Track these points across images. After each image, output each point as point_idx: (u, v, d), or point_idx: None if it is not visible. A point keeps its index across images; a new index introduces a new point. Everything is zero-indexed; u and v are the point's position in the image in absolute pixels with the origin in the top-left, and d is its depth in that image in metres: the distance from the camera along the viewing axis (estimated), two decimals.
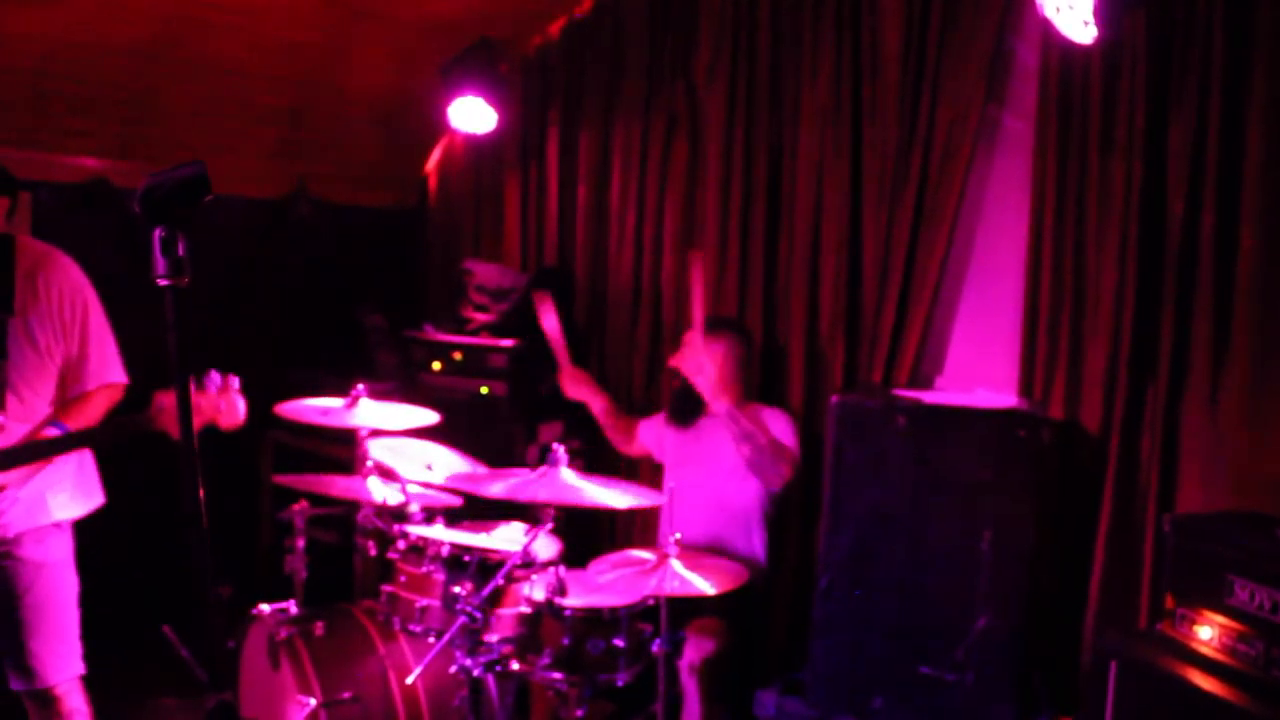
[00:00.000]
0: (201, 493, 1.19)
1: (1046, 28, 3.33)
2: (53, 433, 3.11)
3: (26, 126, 4.78)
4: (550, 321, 4.25)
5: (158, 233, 1.16)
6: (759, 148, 4.42)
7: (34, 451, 3.06)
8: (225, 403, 2.95)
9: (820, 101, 4.19)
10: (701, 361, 3.96)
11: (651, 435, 4.33)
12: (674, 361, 4.15)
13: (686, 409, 4.10)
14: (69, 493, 3.31)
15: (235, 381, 2.94)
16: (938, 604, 3.17)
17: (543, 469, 3.22)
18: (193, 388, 2.60)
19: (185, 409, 1.16)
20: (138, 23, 4.61)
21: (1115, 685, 2.66)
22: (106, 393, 3.29)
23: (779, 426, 3.97)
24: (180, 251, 1.18)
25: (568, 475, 3.16)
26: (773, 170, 4.39)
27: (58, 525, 3.28)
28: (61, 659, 3.28)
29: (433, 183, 6.28)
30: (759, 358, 4.38)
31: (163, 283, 1.17)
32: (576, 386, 4.37)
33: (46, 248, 3.29)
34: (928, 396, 3.46)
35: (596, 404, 4.38)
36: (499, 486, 3.15)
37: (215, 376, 2.94)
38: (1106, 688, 2.67)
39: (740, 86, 4.48)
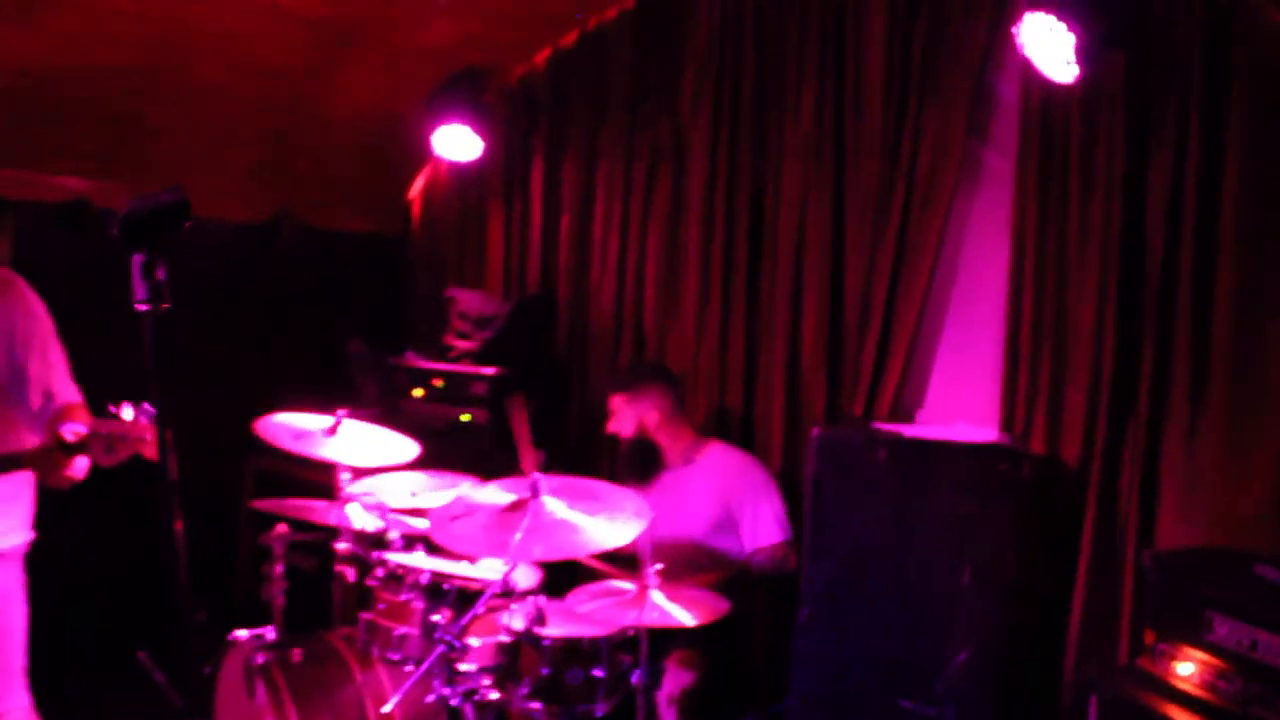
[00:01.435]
0: (178, 518, 1.18)
1: (1028, 66, 3.36)
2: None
3: (8, 145, 4.77)
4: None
5: (137, 258, 1.16)
6: (742, 181, 4.44)
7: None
8: (151, 432, 2.75)
9: (803, 136, 4.21)
10: (639, 417, 3.98)
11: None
12: (611, 428, 4.13)
13: (642, 467, 4.09)
14: (14, 521, 3.23)
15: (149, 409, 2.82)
16: (918, 637, 3.17)
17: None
18: (122, 418, 2.58)
19: (163, 436, 1.15)
20: (124, 45, 4.60)
21: None
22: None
23: (762, 506, 3.94)
24: (160, 277, 1.17)
25: (551, 503, 3.15)
26: (755, 204, 4.41)
27: (2, 555, 3.21)
28: (7, 688, 3.21)
29: (416, 210, 6.28)
30: (740, 389, 4.38)
31: (142, 308, 1.17)
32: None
33: (6, 272, 3.20)
34: (909, 430, 3.47)
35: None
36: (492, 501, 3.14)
37: (148, 408, 2.77)
38: None
39: (724, 120, 4.50)
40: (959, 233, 3.90)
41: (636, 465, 4.10)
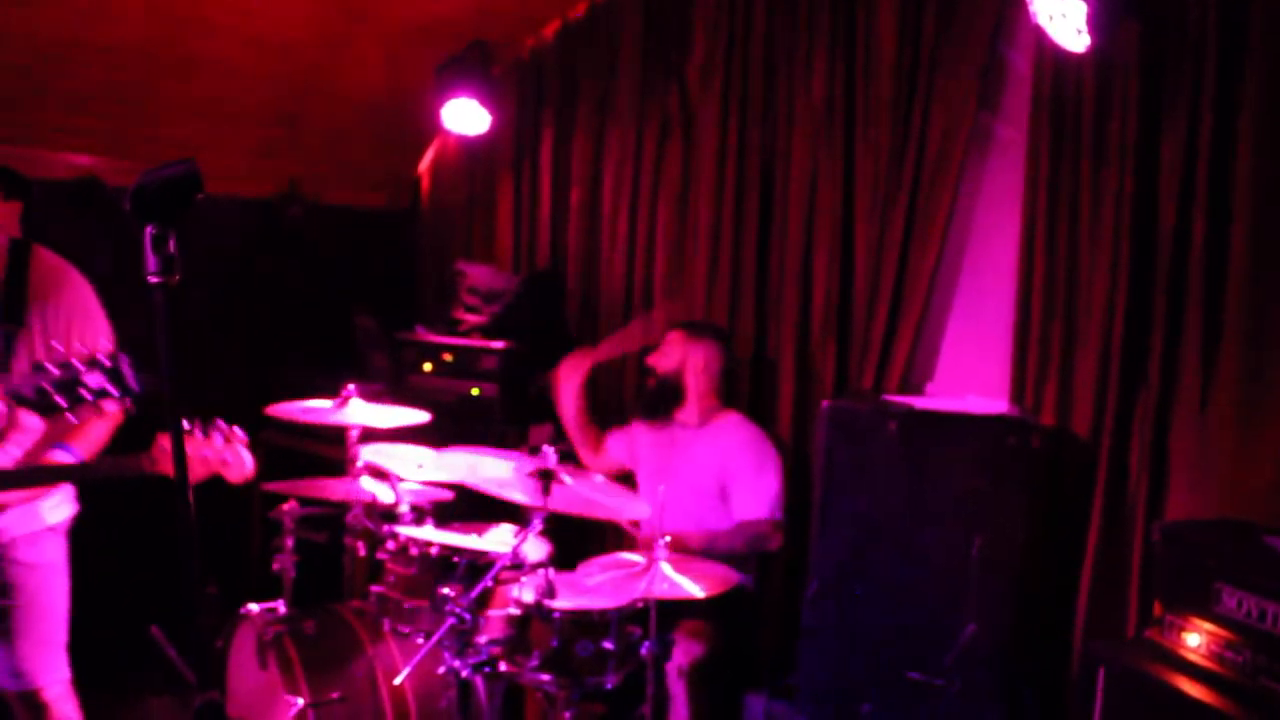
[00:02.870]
0: (191, 496, 1.19)
1: (1040, 36, 3.34)
2: (59, 456, 3.04)
3: (20, 123, 4.77)
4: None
5: (149, 230, 1.16)
6: (752, 152, 4.43)
7: (36, 477, 3.02)
8: (231, 455, 2.79)
9: (813, 107, 4.19)
10: (684, 358, 3.98)
11: (622, 445, 4.31)
12: (652, 359, 4.13)
13: (659, 405, 4.09)
14: (60, 495, 3.28)
15: (240, 434, 2.79)
16: (927, 610, 3.17)
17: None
18: (198, 436, 2.56)
19: (174, 410, 1.15)
20: (133, 22, 4.59)
21: (1103, 692, 2.66)
22: (111, 418, 3.20)
23: (757, 481, 3.93)
24: (171, 249, 1.18)
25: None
26: (765, 175, 4.39)
27: (51, 529, 3.26)
28: (50, 661, 3.25)
29: (425, 184, 6.28)
30: (750, 362, 4.38)
31: (154, 280, 1.17)
32: (571, 373, 4.29)
33: (62, 263, 3.20)
34: (919, 402, 3.47)
35: (571, 406, 4.31)
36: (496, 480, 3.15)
37: (221, 425, 2.79)
38: (1095, 695, 2.67)
39: (734, 91, 4.48)
40: (969, 204, 3.89)
41: (654, 403, 4.10)
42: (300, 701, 3.36)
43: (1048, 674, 3.43)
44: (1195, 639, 2.58)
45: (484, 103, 5.01)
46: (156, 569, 4.51)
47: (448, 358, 4.97)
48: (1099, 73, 3.36)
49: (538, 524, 3.23)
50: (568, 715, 3.20)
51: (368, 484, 3.78)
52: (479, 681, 3.31)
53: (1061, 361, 3.49)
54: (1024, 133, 3.62)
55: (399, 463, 3.75)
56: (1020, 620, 3.17)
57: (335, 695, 3.42)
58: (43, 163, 4.95)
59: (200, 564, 1.23)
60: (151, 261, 1.18)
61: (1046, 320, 3.52)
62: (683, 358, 4.05)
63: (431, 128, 5.70)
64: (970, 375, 3.88)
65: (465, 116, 5.07)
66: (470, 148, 5.75)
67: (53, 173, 4.95)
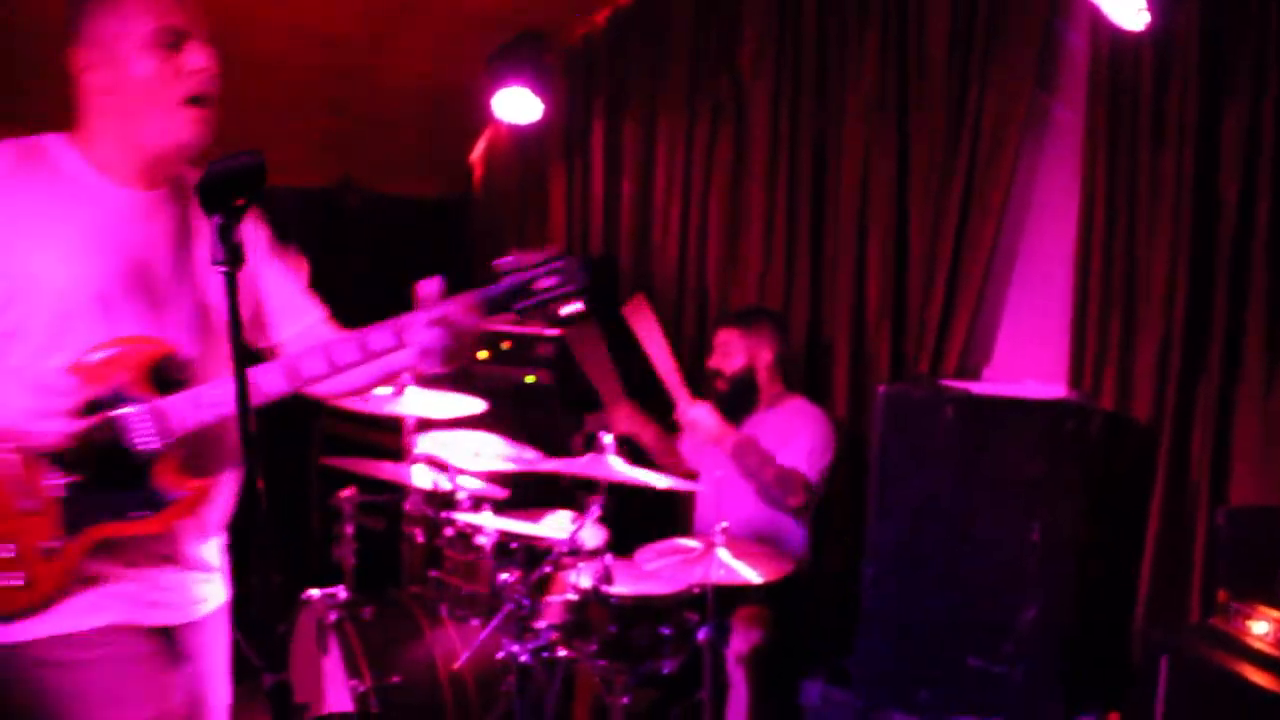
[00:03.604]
0: (260, 478, 1.22)
1: (1096, 15, 3.29)
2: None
3: (70, 121, 4.85)
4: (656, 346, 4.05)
5: (216, 220, 1.19)
6: (804, 138, 4.41)
7: None
8: None
9: (866, 91, 4.17)
10: (751, 352, 3.95)
11: (692, 447, 4.29)
12: (715, 363, 4.07)
13: (739, 406, 4.03)
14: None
15: None
16: (986, 596, 3.15)
17: (590, 455, 3.23)
18: None
19: (243, 399, 1.17)
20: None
21: (1166, 680, 2.63)
22: None
23: (805, 442, 3.86)
24: (237, 239, 1.20)
25: (615, 462, 3.17)
26: (818, 160, 4.37)
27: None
28: None
29: (478, 173, 6.30)
30: (805, 349, 4.37)
31: (220, 269, 1.20)
32: (628, 421, 4.18)
33: None
34: (975, 387, 3.44)
35: (647, 434, 4.20)
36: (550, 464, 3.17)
37: None
38: (1157, 683, 2.65)
39: (786, 76, 4.46)
40: (1026, 186, 3.85)
41: (732, 404, 4.02)
42: (361, 685, 3.41)
43: (1109, 662, 3.40)
44: (1262, 626, 2.54)
45: (535, 91, 5.02)
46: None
47: (505, 345, 4.99)
48: (1158, 51, 3.31)
49: (595, 510, 3.25)
50: (624, 700, 3.22)
51: (425, 471, 3.81)
52: (537, 667, 3.34)
53: (1121, 345, 3.45)
54: (1081, 114, 3.58)
55: (457, 450, 3.79)
56: (1080, 606, 3.14)
57: (396, 679, 3.46)
58: None
59: (271, 548, 1.25)
60: (218, 250, 1.21)
61: (1105, 304, 3.49)
62: (750, 353, 4.00)
63: (483, 116, 5.72)
64: (1028, 360, 3.85)
65: (517, 105, 5.08)
66: (522, 136, 5.76)
67: None
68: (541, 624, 3.27)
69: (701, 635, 3.18)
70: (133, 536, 1.90)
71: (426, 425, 3.91)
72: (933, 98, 3.95)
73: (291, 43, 5.01)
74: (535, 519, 3.66)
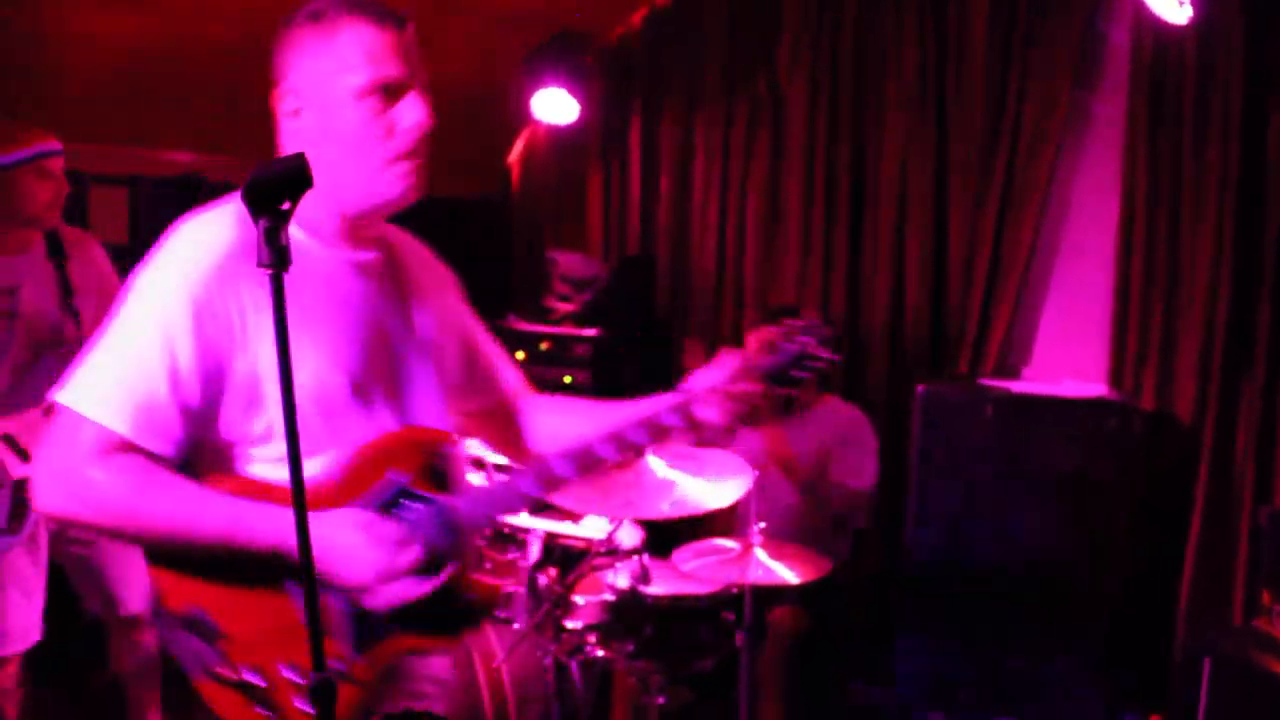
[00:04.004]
0: (303, 481, 1.23)
1: (1139, 8, 3.27)
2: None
3: (125, 122, 4.91)
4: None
5: (262, 223, 1.20)
6: (842, 136, 4.40)
7: None
8: None
9: (905, 89, 4.15)
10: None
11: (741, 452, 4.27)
12: None
13: (782, 407, 4.01)
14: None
15: None
16: (1026, 593, 3.14)
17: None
18: None
19: (289, 403, 1.19)
20: (230, 21, 4.70)
21: (1209, 682, 2.61)
22: None
23: (865, 461, 3.78)
24: (283, 241, 1.21)
25: (654, 463, 3.17)
26: (856, 158, 4.36)
27: None
28: (143, 589, 3.37)
29: (515, 173, 6.33)
30: (844, 347, 4.35)
31: (267, 271, 1.21)
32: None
33: (79, 234, 3.41)
34: (1015, 386, 3.42)
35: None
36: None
37: None
38: (1200, 684, 2.62)
39: (823, 74, 4.45)
40: (1066, 183, 3.82)
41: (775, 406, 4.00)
42: None
43: (1152, 663, 3.37)
44: None
45: (572, 91, 5.03)
46: None
47: (541, 346, 5.01)
48: (1201, 45, 3.28)
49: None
50: (660, 700, 3.22)
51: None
52: (574, 667, 3.34)
53: (1162, 344, 3.42)
54: (1122, 110, 3.56)
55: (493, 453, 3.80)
56: (1121, 607, 3.12)
57: None
58: (147, 160, 5.10)
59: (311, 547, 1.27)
60: (264, 253, 1.22)
61: (1146, 302, 3.46)
62: None
63: (521, 117, 5.74)
64: (1067, 358, 3.82)
65: (554, 105, 5.09)
66: (559, 136, 5.78)
67: (157, 170, 5.09)
68: (578, 624, 3.27)
69: (739, 636, 3.17)
70: (427, 651, 1.74)
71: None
72: (972, 94, 3.93)
73: None
74: (573, 519, 3.66)
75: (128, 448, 1.57)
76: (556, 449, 1.77)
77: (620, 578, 3.27)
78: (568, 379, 4.86)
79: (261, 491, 1.62)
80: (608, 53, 5.51)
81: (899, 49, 4.17)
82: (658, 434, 1.76)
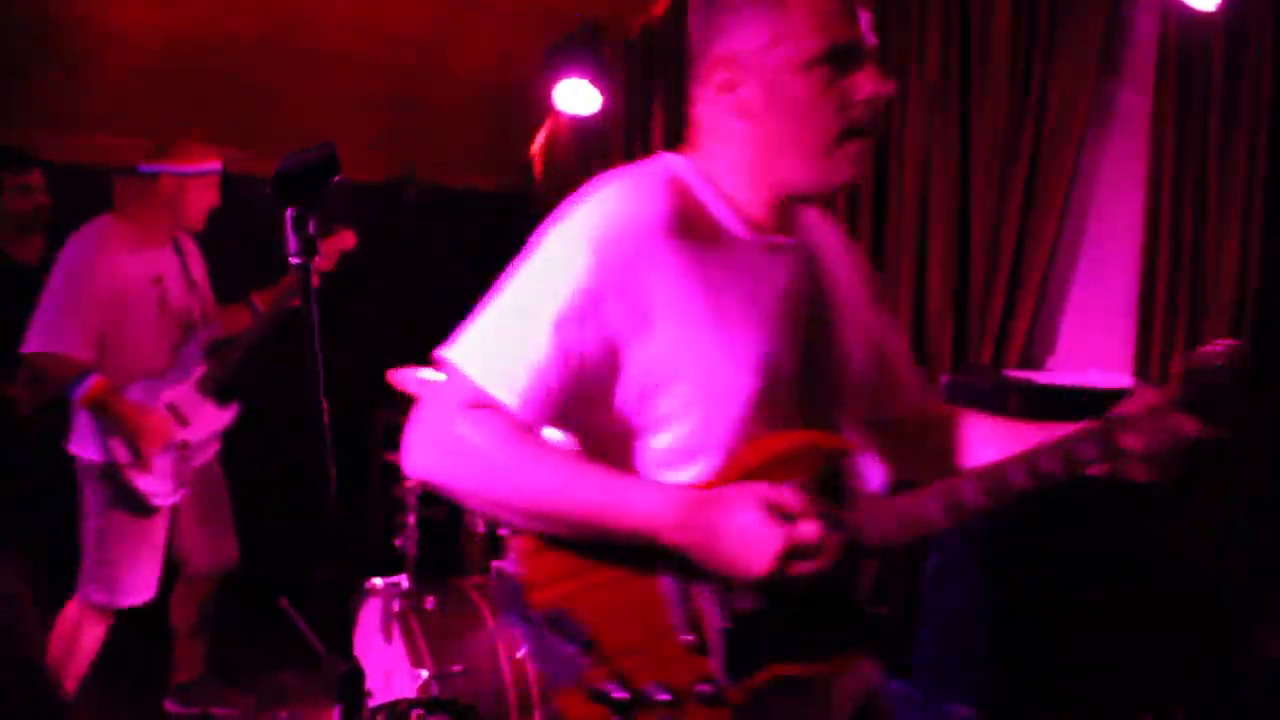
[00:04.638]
0: (333, 469, 1.23)
1: None
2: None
3: (148, 117, 4.94)
4: None
5: (290, 212, 1.20)
6: None
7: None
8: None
9: (928, 79, 4.12)
10: None
11: None
12: None
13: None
14: None
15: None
16: (1048, 589, 3.12)
17: None
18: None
19: (319, 386, 1.19)
20: (250, 16, 4.73)
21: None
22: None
23: None
24: (311, 231, 1.21)
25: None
26: (879, 149, 4.33)
27: None
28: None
29: (538, 165, 6.33)
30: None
31: (294, 260, 1.21)
32: None
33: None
34: (1040, 377, 3.41)
35: None
36: None
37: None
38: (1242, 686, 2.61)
39: None
40: (1091, 173, 3.80)
41: None
42: (424, 673, 3.44)
43: (1178, 656, 3.35)
44: None
45: (595, 83, 5.02)
46: (281, 541, 4.64)
47: None
48: (1230, 34, 3.25)
49: None
50: None
51: None
52: None
53: (1188, 335, 3.39)
54: (1149, 98, 3.53)
55: None
56: (1146, 601, 3.10)
57: (458, 668, 3.49)
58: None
59: (343, 536, 1.27)
60: (293, 242, 1.22)
61: (1172, 292, 3.43)
62: None
63: (543, 109, 5.74)
64: (1092, 349, 3.80)
65: (576, 97, 5.09)
66: (582, 128, 5.78)
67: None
68: None
69: None
70: (812, 676, 1.55)
71: None
72: (995, 83, 3.91)
73: (355, 40, 5.08)
74: None
75: (504, 413, 1.48)
76: (966, 471, 1.59)
77: None
78: None
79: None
80: (630, 44, 5.50)
81: (921, 38, 4.14)
82: (1071, 464, 1.53)
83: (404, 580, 3.74)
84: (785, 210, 1.59)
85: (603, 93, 5.06)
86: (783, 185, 1.55)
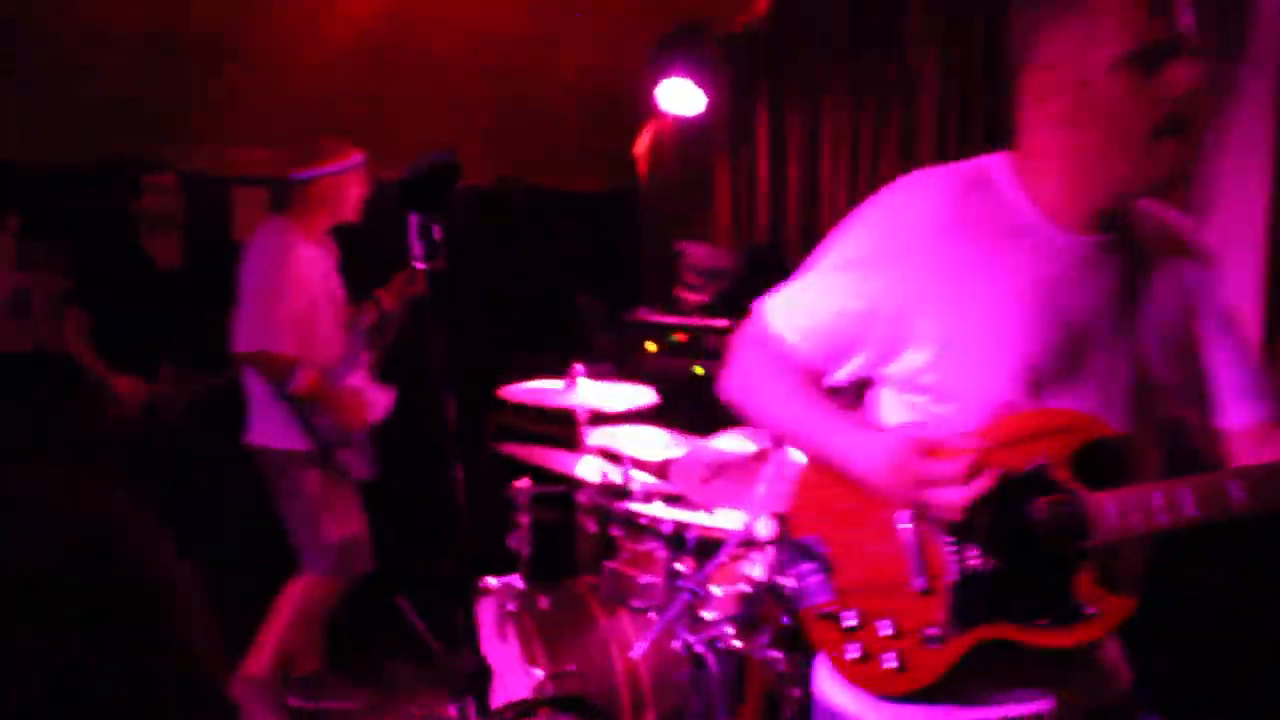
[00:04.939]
0: (459, 469, 1.25)
1: None
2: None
3: (270, 131, 5.08)
4: None
5: (414, 219, 1.22)
6: (975, 113, 4.30)
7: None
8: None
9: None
10: None
11: None
12: None
13: None
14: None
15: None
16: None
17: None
18: None
19: (446, 390, 1.20)
20: (360, 24, 4.83)
21: None
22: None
23: None
24: (436, 236, 1.23)
25: (791, 452, 3.15)
26: (991, 135, 4.25)
27: None
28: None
29: (642, 166, 6.35)
30: None
31: (420, 266, 1.23)
32: None
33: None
34: None
35: None
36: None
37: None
38: None
39: (953, 52, 4.36)
40: (1213, 158, 3.68)
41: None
42: (539, 673, 3.47)
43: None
44: None
45: (698, 81, 5.02)
46: (399, 539, 4.71)
47: (672, 337, 5.02)
48: None
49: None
50: (797, 692, 3.19)
51: (598, 462, 3.85)
52: (711, 657, 3.34)
53: None
54: (1271, 81, 3.41)
55: (628, 441, 3.82)
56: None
57: (572, 667, 3.51)
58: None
59: (466, 535, 1.29)
60: (417, 248, 1.23)
61: None
62: None
63: (646, 109, 5.76)
64: None
65: (679, 96, 5.09)
66: (685, 127, 5.78)
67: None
68: (715, 614, 3.27)
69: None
70: (1025, 647, 1.62)
71: (599, 418, 3.96)
72: None
73: (464, 44, 5.14)
74: (708, 509, 3.66)
75: (784, 353, 1.77)
76: (1233, 467, 1.62)
77: (756, 568, 3.26)
78: (699, 370, 4.86)
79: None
80: (733, 41, 5.49)
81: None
82: None
83: (517, 580, 3.77)
84: (1107, 209, 1.62)
85: (706, 91, 5.06)
86: (1100, 187, 1.59)
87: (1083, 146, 1.56)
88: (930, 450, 1.58)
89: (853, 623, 1.70)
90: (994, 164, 1.71)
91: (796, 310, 1.77)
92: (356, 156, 4.01)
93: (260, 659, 3.94)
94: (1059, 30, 1.53)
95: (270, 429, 3.95)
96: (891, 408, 1.75)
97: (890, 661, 1.66)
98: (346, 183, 4.01)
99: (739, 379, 1.84)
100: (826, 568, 1.72)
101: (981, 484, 1.54)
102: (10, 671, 0.59)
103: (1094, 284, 1.65)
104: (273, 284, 3.84)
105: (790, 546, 1.77)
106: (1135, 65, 1.48)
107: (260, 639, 3.96)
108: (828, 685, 1.81)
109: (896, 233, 1.68)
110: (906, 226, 1.67)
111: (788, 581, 1.84)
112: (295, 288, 3.89)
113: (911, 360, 1.67)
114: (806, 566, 1.74)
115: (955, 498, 1.55)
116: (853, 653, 1.70)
